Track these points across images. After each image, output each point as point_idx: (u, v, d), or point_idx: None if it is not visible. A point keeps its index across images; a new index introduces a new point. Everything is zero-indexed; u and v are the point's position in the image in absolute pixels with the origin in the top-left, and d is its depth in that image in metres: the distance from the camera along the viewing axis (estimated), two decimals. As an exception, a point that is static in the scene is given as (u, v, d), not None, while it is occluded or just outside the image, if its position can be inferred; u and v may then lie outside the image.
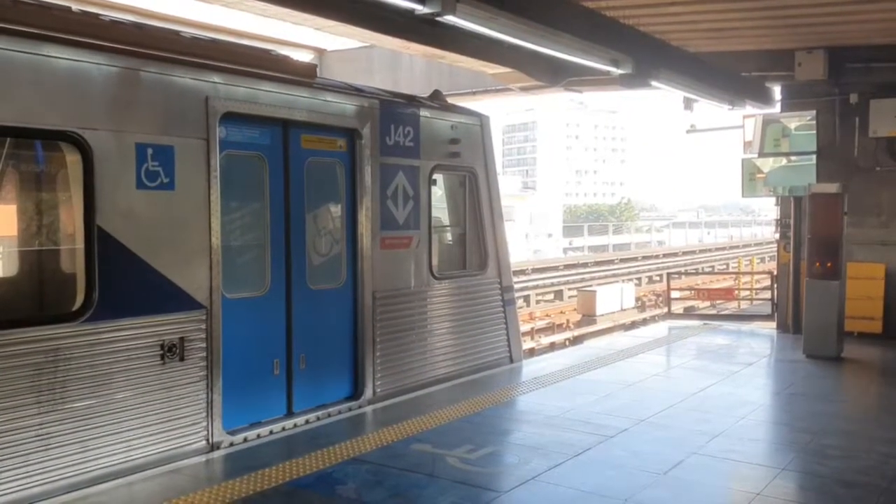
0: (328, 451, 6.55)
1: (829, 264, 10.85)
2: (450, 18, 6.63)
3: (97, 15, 6.26)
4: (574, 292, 26.27)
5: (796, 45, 11.84)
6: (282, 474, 6.00)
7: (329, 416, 7.65)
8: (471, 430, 7.23)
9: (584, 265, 35.98)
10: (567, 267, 34.39)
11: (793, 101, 13.09)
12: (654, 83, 10.08)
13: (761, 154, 13.58)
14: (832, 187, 11.11)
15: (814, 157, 12.71)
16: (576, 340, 19.21)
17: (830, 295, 10.83)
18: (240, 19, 12.32)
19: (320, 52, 15.91)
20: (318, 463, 6.28)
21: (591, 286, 26.34)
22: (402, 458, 6.44)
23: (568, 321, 21.95)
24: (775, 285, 13.88)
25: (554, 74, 12.96)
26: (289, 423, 7.28)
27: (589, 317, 22.15)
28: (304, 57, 14.57)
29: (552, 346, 18.48)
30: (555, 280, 29.54)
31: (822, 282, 10.86)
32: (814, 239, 11.03)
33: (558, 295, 27.47)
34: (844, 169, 12.27)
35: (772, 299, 14.21)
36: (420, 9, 6.35)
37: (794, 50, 11.95)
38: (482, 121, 9.98)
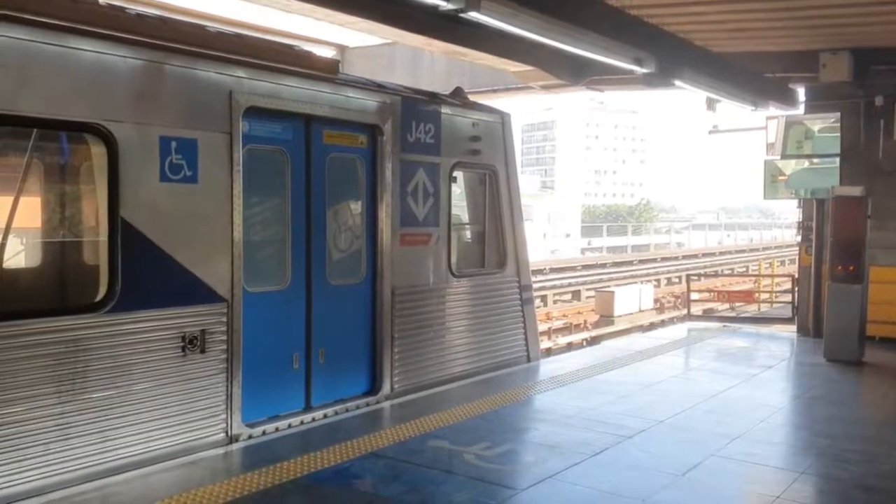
0: (345, 446, 6.57)
1: (851, 268, 10.75)
2: (473, 15, 6.62)
3: (123, 8, 6.31)
4: (592, 293, 26.17)
5: (821, 47, 11.73)
6: (299, 468, 6.03)
7: (347, 410, 7.67)
8: (488, 428, 7.23)
9: (603, 266, 35.87)
10: (585, 267, 34.30)
11: (817, 103, 12.97)
12: (677, 83, 10.03)
13: (784, 156, 13.49)
14: (856, 190, 11.02)
15: (837, 159, 12.59)
16: (593, 341, 19.15)
17: (852, 299, 10.75)
18: (262, 15, 12.36)
19: (342, 49, 15.93)
20: (335, 457, 6.30)
21: (609, 287, 26.24)
22: (419, 453, 6.45)
23: (585, 321, 21.88)
24: (796, 288, 13.77)
25: (576, 73, 12.91)
26: (307, 417, 7.31)
27: (607, 317, 22.05)
28: (325, 53, 14.60)
29: (569, 347, 18.43)
30: (573, 280, 29.45)
31: (844, 285, 10.77)
32: (836, 242, 10.94)
33: (576, 295, 27.38)
34: (868, 172, 12.14)
35: (792, 302, 14.10)
36: (444, 5, 6.35)
37: (818, 51, 11.83)
38: (503, 119, 9.97)
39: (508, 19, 7.07)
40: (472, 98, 10.33)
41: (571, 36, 7.87)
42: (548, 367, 10.21)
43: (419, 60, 15.15)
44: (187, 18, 8.39)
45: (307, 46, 9.70)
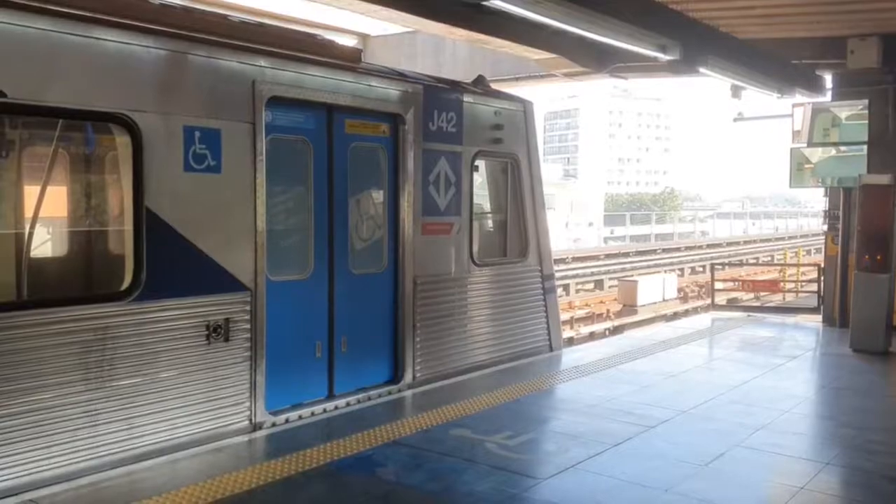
0: (368, 434, 6.60)
1: (878, 257, 10.63)
2: (495, 3, 6.60)
3: None
4: (615, 282, 26.06)
5: (849, 32, 11.55)
6: (323, 455, 6.07)
7: (369, 399, 7.70)
8: (510, 417, 7.23)
9: (626, 255, 35.66)
10: (608, 256, 34.12)
11: (844, 90, 12.77)
12: (701, 70, 9.91)
13: (810, 144, 13.30)
14: (884, 178, 10.87)
15: (864, 147, 12.41)
16: (616, 330, 19.08)
17: (879, 288, 10.63)
18: (284, 4, 12.41)
19: (364, 38, 15.94)
20: (357, 445, 6.34)
21: (632, 276, 26.11)
22: (442, 442, 6.47)
23: (608, 311, 21.81)
24: (822, 278, 13.63)
25: (599, 60, 12.83)
26: (330, 405, 7.35)
27: (630, 307, 21.97)
28: (348, 42, 14.61)
29: (592, 336, 18.38)
30: (595, 269, 29.33)
31: (871, 275, 10.65)
32: (863, 231, 10.82)
33: (598, 284, 27.28)
34: (897, 160, 11.96)
35: (818, 292, 13.96)
36: (466, -7, 6.32)
37: (846, 37, 11.65)
38: (525, 107, 9.91)
39: (531, 7, 7.02)
40: (494, 86, 10.28)
41: (594, 23, 7.80)
42: (570, 357, 10.18)
43: (441, 48, 15.12)
44: (210, 8, 8.41)
45: (329, 35, 9.72)
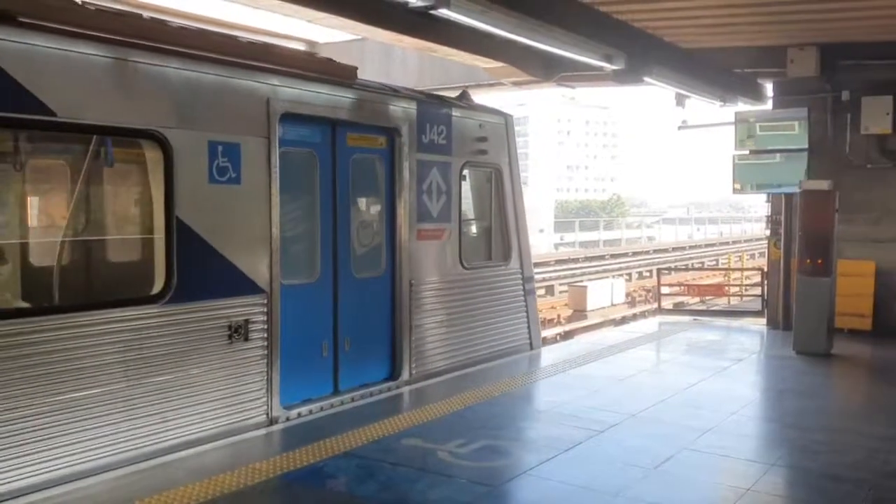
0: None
1: (819, 261, 10.88)
2: (443, 12, 6.64)
3: (164, 21, 6.68)
4: (565, 287, 26.29)
5: (789, 42, 11.86)
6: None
7: (371, 395, 8.14)
8: (462, 425, 7.23)
9: (576, 261, 36.03)
10: (558, 262, 34.43)
11: (784, 98, 13.07)
12: (646, 79, 10.10)
13: (746, 150, 13.51)
14: (823, 184, 11.13)
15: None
16: (567, 335, 19.23)
17: (821, 292, 10.86)
18: (231, 11, 12.21)
19: (311, 45, 15.82)
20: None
21: (582, 281, 26.37)
22: (394, 452, 6.44)
23: (559, 316, 21.98)
24: (765, 282, 13.91)
25: (547, 69, 12.95)
26: (335, 400, 7.82)
27: (580, 312, 22.20)
28: (297, 48, 14.45)
29: (543, 341, 18.46)
30: (546, 275, 29.54)
31: (813, 279, 10.89)
32: (805, 236, 11.06)
33: (549, 290, 27.48)
34: (836, 166, 12.29)
35: (762, 296, 14.24)
36: (414, 1, 6.36)
37: (786, 46, 11.96)
38: (507, 120, 10.52)
39: (478, 16, 7.09)
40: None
41: (541, 33, 7.91)
42: (521, 363, 10.22)
43: (390, 56, 15.09)
44: (154, 15, 8.26)
45: (276, 42, 9.64)
